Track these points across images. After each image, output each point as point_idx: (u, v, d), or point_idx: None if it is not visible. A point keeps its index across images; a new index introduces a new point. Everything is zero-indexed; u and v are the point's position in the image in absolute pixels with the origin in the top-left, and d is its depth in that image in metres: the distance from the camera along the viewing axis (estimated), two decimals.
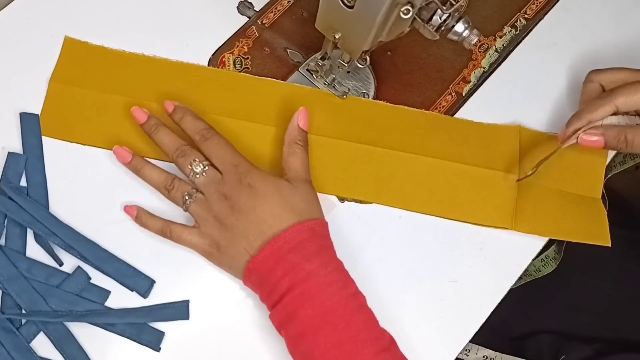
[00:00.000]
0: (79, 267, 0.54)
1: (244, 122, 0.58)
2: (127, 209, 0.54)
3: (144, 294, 0.53)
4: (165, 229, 0.53)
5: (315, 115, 0.58)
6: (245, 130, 0.58)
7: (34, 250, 0.54)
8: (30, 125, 0.57)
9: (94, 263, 0.53)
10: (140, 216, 0.54)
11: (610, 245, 0.57)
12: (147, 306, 0.53)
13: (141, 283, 0.53)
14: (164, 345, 0.53)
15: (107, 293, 0.53)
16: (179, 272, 0.55)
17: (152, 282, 0.54)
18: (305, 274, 0.47)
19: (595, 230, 0.57)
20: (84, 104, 0.58)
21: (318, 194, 0.54)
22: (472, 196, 0.57)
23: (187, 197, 0.52)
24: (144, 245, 0.55)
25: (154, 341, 0.53)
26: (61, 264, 0.54)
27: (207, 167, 0.52)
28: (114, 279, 0.54)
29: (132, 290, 0.54)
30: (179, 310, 0.53)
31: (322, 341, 0.46)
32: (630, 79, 0.54)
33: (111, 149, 0.56)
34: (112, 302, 0.53)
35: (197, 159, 0.52)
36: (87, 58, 0.59)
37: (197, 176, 0.52)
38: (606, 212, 0.58)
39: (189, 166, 0.52)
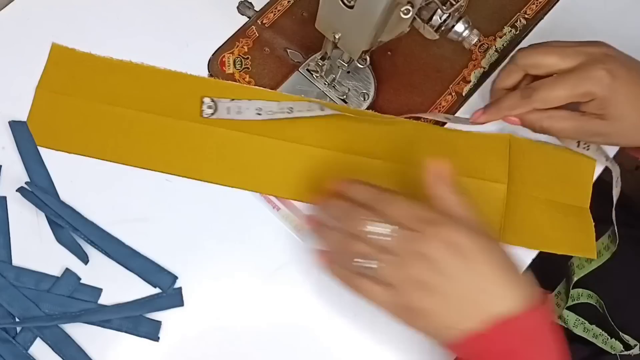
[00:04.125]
0: (67, 269, 0.54)
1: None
2: (320, 256, 0.48)
3: (167, 290, 0.53)
4: (351, 283, 0.46)
5: (304, 125, 0.57)
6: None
7: (20, 258, 0.54)
8: (21, 132, 0.57)
9: (119, 259, 0.53)
10: (333, 266, 0.48)
11: (596, 258, 0.57)
12: (140, 298, 0.53)
13: (164, 279, 0.54)
14: (162, 334, 0.53)
15: (99, 291, 0.54)
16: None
17: (175, 278, 0.54)
18: None
19: (582, 241, 0.57)
20: (71, 112, 0.57)
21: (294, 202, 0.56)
22: None
23: (369, 265, 0.45)
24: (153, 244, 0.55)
25: (152, 331, 0.53)
26: (87, 262, 0.54)
27: (397, 227, 0.45)
28: (138, 275, 0.54)
29: (155, 287, 0.54)
30: (172, 298, 0.53)
31: None
32: (558, 65, 0.52)
33: (100, 158, 0.56)
34: (105, 299, 0.54)
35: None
36: (74, 65, 0.59)
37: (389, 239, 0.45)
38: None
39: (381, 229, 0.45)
